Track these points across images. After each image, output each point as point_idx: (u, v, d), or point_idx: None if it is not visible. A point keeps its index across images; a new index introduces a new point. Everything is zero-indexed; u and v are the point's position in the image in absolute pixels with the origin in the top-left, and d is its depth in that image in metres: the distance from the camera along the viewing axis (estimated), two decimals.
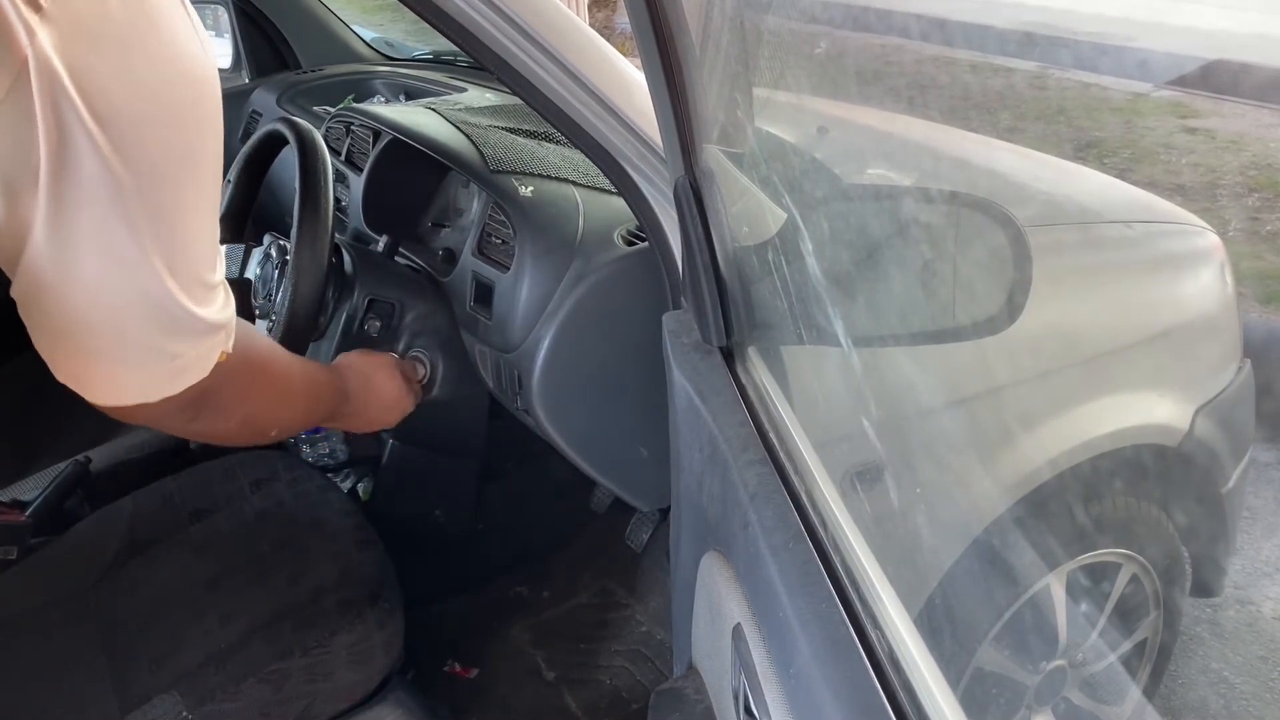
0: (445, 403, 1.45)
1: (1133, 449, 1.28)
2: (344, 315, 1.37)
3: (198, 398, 0.77)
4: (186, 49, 0.66)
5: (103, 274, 0.66)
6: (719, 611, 0.80)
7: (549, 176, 1.36)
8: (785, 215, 0.92)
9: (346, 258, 1.40)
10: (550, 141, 1.50)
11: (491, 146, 1.43)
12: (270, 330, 1.28)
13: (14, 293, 0.67)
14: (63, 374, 0.72)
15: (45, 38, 0.58)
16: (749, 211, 0.98)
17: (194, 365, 0.75)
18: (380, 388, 1.21)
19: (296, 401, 1.02)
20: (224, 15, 2.66)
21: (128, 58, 0.62)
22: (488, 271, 1.34)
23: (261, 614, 1.08)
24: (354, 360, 1.21)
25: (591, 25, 1.20)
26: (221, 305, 0.75)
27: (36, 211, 0.62)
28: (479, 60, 1.02)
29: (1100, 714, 1.39)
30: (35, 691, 1.00)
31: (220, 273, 0.75)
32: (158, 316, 0.70)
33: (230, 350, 0.78)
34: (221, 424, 0.87)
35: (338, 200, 1.59)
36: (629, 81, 1.08)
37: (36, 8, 0.58)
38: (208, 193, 0.71)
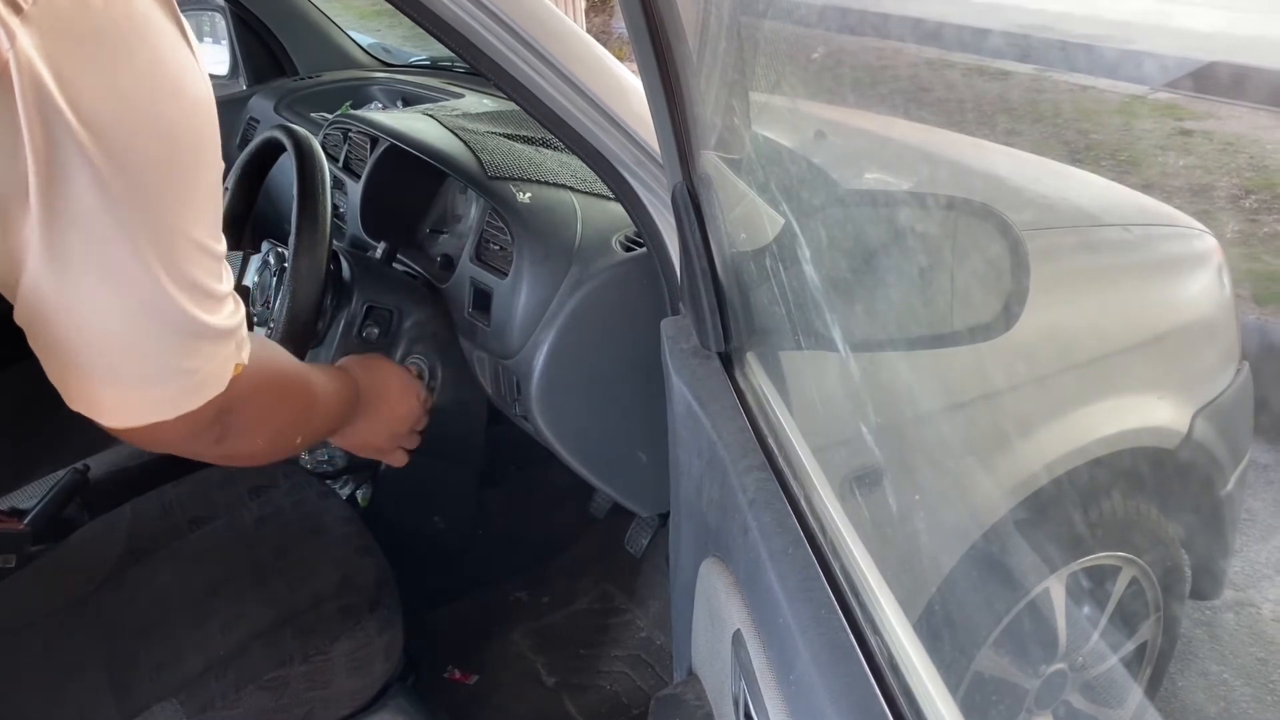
0: (444, 409, 1.45)
1: (1131, 452, 1.28)
2: (342, 322, 1.37)
3: (222, 416, 0.76)
4: (175, 54, 0.64)
5: (104, 289, 0.64)
6: (719, 617, 0.80)
7: (546, 183, 1.36)
8: (783, 220, 0.92)
9: (344, 264, 1.40)
10: (548, 148, 1.50)
11: (489, 153, 1.43)
12: (268, 337, 1.28)
13: (18, 319, 0.66)
14: (77, 400, 0.70)
15: (27, 40, 0.55)
16: (747, 217, 0.98)
17: (211, 379, 0.73)
18: (387, 381, 1.22)
19: (318, 409, 1.01)
20: (220, 22, 2.66)
21: (115, 62, 0.60)
22: (486, 278, 1.34)
23: (261, 621, 1.08)
24: (356, 360, 1.22)
25: (588, 30, 1.20)
26: (230, 312, 0.73)
27: (30, 229, 0.60)
28: (476, 66, 1.02)
29: (1100, 717, 1.39)
30: (36, 700, 1.00)
31: (228, 283, 0.73)
32: (165, 328, 0.68)
33: (245, 361, 0.77)
34: (249, 443, 0.86)
35: (336, 207, 1.59)
36: (626, 87, 1.08)
37: (16, 9, 0.55)
38: (206, 200, 0.69)
